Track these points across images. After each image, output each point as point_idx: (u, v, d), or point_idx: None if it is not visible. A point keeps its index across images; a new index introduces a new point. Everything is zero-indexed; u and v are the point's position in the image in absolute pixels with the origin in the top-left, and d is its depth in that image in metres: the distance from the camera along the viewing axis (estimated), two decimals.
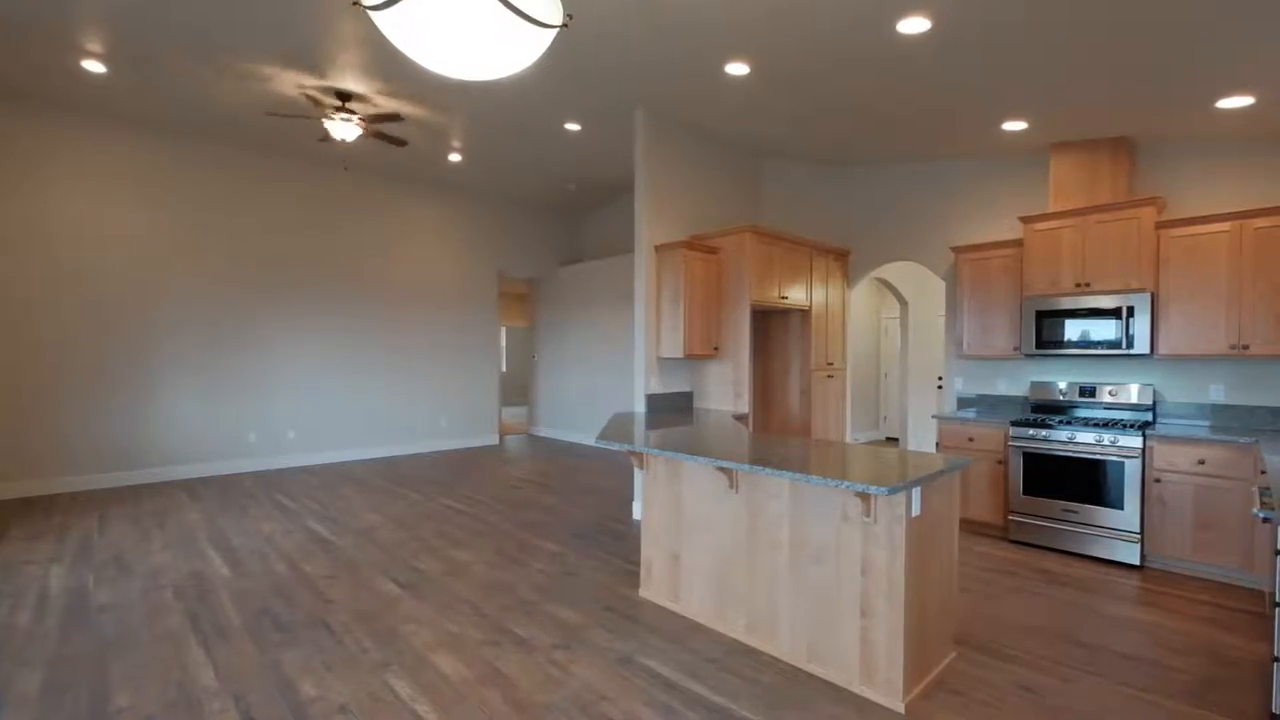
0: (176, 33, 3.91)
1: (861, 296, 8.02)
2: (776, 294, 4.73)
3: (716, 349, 4.66)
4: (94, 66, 4.51)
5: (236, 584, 3.17)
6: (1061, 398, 4.20)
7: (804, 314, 5.15)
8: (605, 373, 7.78)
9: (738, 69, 3.78)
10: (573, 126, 5.38)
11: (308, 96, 4.75)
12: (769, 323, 5.44)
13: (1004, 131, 4.27)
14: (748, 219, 5.60)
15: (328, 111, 4.78)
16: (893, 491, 1.92)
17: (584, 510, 4.72)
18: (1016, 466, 3.91)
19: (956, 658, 2.44)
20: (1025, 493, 3.87)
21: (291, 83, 4.61)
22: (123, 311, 5.42)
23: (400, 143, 5.34)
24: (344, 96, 4.79)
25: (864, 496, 2.11)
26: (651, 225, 4.66)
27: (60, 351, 5.14)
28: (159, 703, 2.10)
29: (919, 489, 2.13)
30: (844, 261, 5.56)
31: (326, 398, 6.63)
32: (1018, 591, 3.17)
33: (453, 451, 7.46)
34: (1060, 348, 3.96)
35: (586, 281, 8.18)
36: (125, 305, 5.44)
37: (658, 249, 4.62)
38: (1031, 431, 3.87)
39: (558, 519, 4.46)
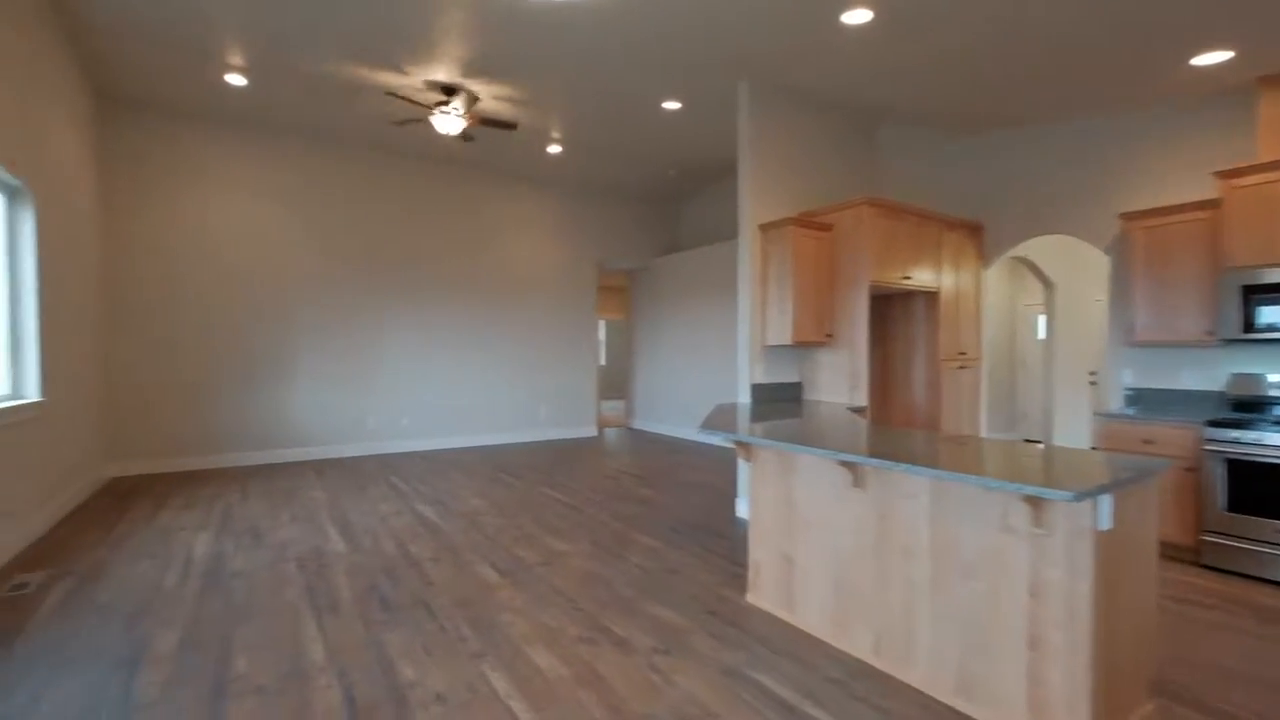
0: (301, 39, 4.14)
1: (993, 281, 7.15)
2: (899, 275, 4.24)
3: (830, 335, 4.26)
4: (236, 80, 4.91)
5: (350, 559, 3.28)
6: (1274, 393, 3.39)
7: (931, 297, 4.60)
8: (705, 365, 7.53)
9: (857, 16, 3.38)
10: (672, 105, 5.17)
11: (412, 100, 4.89)
12: (889, 307, 4.92)
13: (1193, 68, 3.53)
14: (863, 195, 5.10)
15: (434, 109, 4.90)
16: (1079, 498, 1.53)
17: (684, 505, 4.51)
18: (1215, 476, 3.20)
19: (1154, 710, 1.96)
20: (1227, 509, 3.16)
21: (401, 81, 4.77)
22: (263, 307, 5.93)
23: (511, 126, 5.36)
24: (449, 91, 4.89)
25: (1035, 502, 1.72)
26: (756, 203, 4.34)
27: (217, 343, 5.71)
28: (272, 673, 2.15)
29: (1110, 497, 1.70)
30: (978, 238, 4.91)
31: (435, 387, 6.91)
32: (1221, 629, 2.56)
33: (552, 442, 7.54)
34: (1274, 331, 3.18)
35: (685, 271, 7.96)
36: (265, 301, 5.95)
37: (763, 228, 4.30)
38: (1238, 434, 3.14)
39: (656, 513, 4.29)
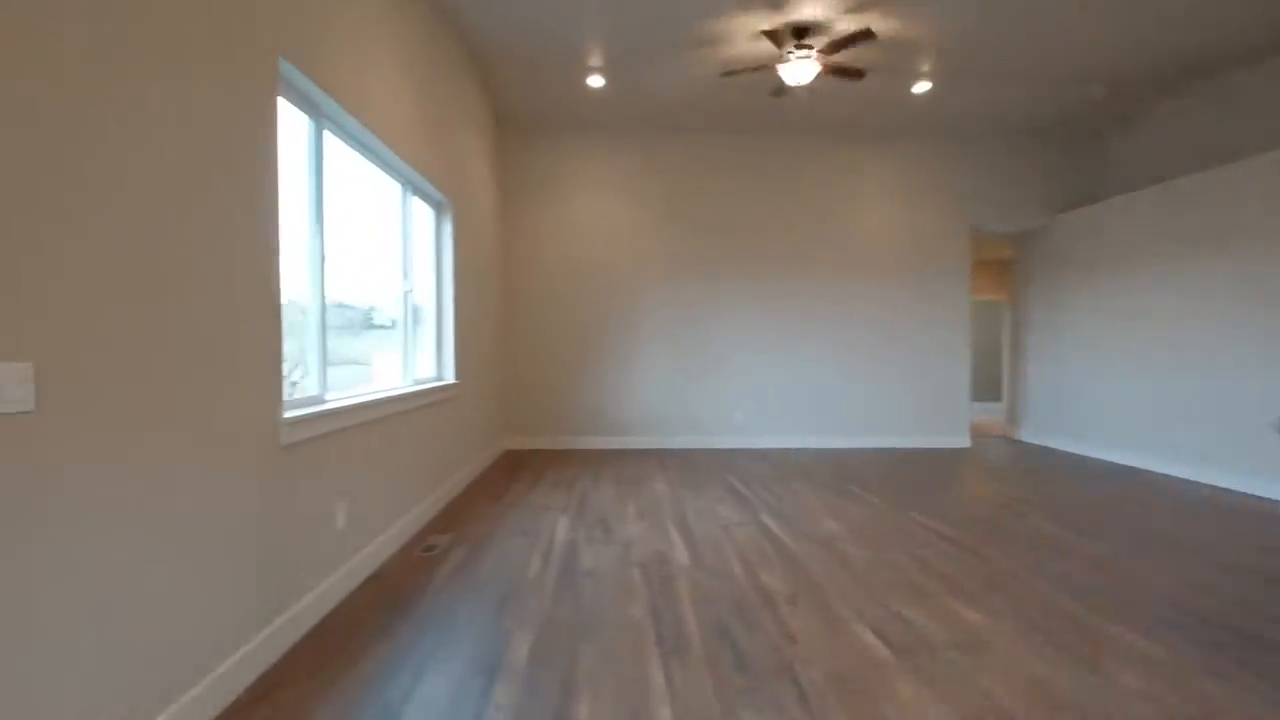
0: (656, 14, 3.93)
1: None
2: None
3: None
4: (595, 81, 5.11)
5: (695, 577, 2.83)
6: None
7: None
8: (1160, 360, 5.14)
9: None
10: None
11: (767, 37, 4.29)
12: None
13: None
14: None
15: (785, 54, 4.22)
16: None
17: (1171, 576, 2.84)
18: None
19: None
20: None
21: (750, 30, 4.22)
22: (616, 295, 6.24)
23: (858, 74, 4.41)
24: (801, 31, 4.15)
25: None
26: None
27: (581, 330, 6.23)
28: None
29: None
30: None
31: (771, 379, 6.33)
32: None
33: (909, 451, 6.20)
34: None
35: (1108, 228, 5.62)
36: (618, 289, 6.24)
37: None
38: None
39: (1124, 584, 2.76)
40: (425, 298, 4.18)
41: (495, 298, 5.78)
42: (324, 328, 2.62)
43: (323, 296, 2.59)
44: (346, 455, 2.65)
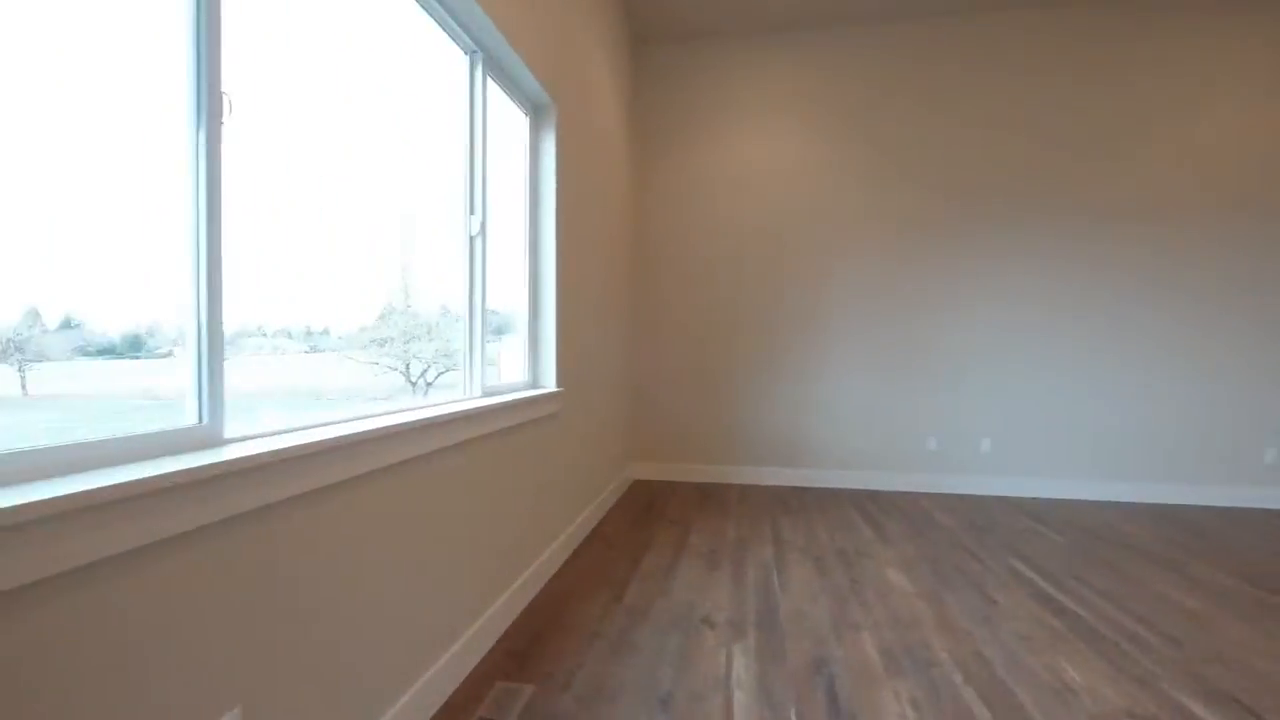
0: None
1: None
2: None
3: None
4: None
5: None
6: None
7: None
8: None
9: None
10: None
11: None
12: None
13: None
14: None
15: None
16: None
17: None
18: None
19: None
20: None
21: None
22: (791, 269, 4.35)
23: None
24: None
25: None
26: None
27: (737, 320, 4.43)
28: None
29: None
30: None
31: (1042, 393, 4.07)
32: None
33: None
34: None
35: None
36: (795, 259, 4.35)
37: None
38: None
39: None
40: (507, 252, 2.62)
41: (620, 275, 4.15)
42: None
43: None
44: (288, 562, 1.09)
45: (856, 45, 4.22)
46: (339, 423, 1.42)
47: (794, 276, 4.34)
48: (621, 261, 4.14)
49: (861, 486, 4.27)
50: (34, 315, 0.95)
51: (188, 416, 1.11)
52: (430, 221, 2.06)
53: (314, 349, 1.57)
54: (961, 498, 4.06)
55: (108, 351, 1.06)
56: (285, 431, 1.27)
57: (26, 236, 0.91)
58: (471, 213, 2.21)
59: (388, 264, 1.85)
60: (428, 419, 1.59)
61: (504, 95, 2.48)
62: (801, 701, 1.72)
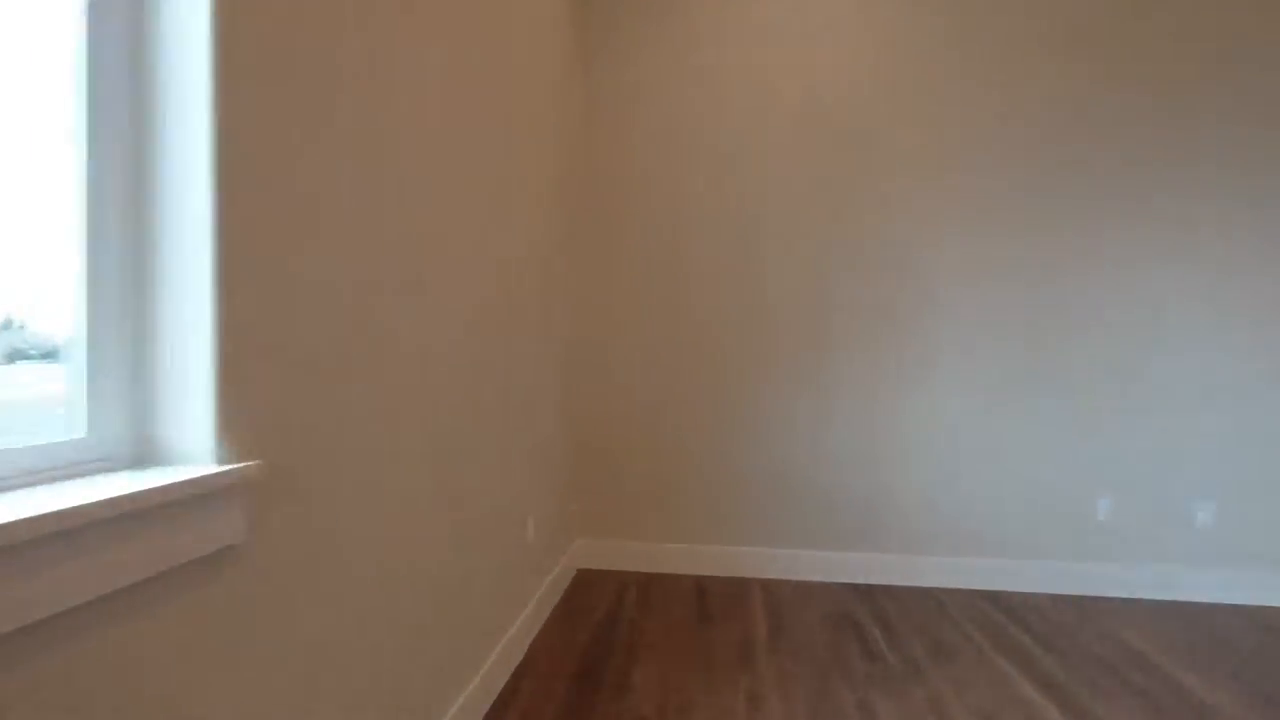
0: None
1: None
2: None
3: None
4: None
5: None
6: None
7: None
8: None
9: None
10: None
11: None
12: None
13: None
14: None
15: None
16: None
17: None
18: None
19: None
20: None
21: None
22: (841, 228, 2.62)
23: None
24: None
25: None
26: None
27: (727, 335, 2.67)
28: None
29: None
30: None
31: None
32: None
33: None
34: None
35: None
36: (851, 219, 2.62)
37: None
38: None
39: None
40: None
41: (550, 243, 2.35)
42: None
43: None
44: None
45: None
46: None
47: (860, 230, 2.60)
48: (556, 221, 2.35)
49: (982, 585, 2.47)
50: None
51: None
52: None
53: None
54: (1160, 606, 2.28)
55: None
56: None
57: None
58: None
59: None
60: None
61: None
62: None
